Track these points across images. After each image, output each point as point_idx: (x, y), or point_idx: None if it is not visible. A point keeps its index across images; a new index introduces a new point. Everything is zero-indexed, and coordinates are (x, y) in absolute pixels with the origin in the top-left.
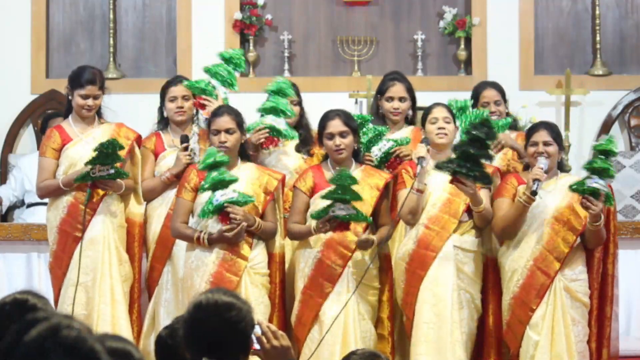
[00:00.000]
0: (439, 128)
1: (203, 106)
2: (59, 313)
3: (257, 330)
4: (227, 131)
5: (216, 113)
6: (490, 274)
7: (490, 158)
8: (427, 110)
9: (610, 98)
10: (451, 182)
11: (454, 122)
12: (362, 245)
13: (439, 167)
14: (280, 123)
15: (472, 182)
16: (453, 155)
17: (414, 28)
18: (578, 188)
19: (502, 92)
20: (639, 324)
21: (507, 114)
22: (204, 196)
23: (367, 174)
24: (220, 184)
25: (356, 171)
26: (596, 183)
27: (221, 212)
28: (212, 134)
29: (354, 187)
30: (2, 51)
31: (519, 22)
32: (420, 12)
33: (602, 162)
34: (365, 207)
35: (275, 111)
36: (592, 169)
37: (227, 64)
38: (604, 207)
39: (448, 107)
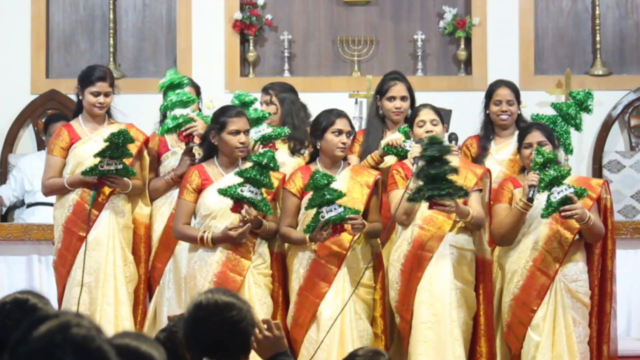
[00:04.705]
0: (427, 132)
1: (190, 135)
2: (68, 311)
3: None
4: (246, 132)
5: (232, 114)
6: (480, 274)
7: (455, 170)
8: (414, 112)
9: (610, 98)
10: (430, 208)
11: (442, 123)
12: (356, 228)
13: (411, 200)
14: (264, 129)
15: (449, 200)
16: (418, 183)
17: (414, 28)
18: (549, 213)
19: (516, 93)
20: (639, 324)
21: (519, 115)
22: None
23: (356, 172)
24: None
25: (345, 170)
26: (559, 193)
27: (238, 201)
28: (231, 134)
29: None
30: (2, 51)
31: (519, 22)
32: (420, 12)
33: (548, 174)
34: (357, 205)
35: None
36: (547, 185)
37: (173, 90)
38: (594, 202)
39: (435, 109)
